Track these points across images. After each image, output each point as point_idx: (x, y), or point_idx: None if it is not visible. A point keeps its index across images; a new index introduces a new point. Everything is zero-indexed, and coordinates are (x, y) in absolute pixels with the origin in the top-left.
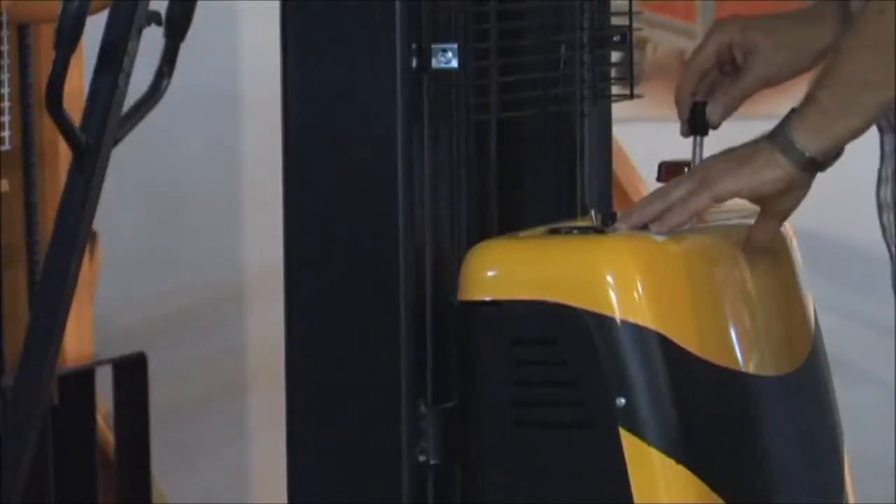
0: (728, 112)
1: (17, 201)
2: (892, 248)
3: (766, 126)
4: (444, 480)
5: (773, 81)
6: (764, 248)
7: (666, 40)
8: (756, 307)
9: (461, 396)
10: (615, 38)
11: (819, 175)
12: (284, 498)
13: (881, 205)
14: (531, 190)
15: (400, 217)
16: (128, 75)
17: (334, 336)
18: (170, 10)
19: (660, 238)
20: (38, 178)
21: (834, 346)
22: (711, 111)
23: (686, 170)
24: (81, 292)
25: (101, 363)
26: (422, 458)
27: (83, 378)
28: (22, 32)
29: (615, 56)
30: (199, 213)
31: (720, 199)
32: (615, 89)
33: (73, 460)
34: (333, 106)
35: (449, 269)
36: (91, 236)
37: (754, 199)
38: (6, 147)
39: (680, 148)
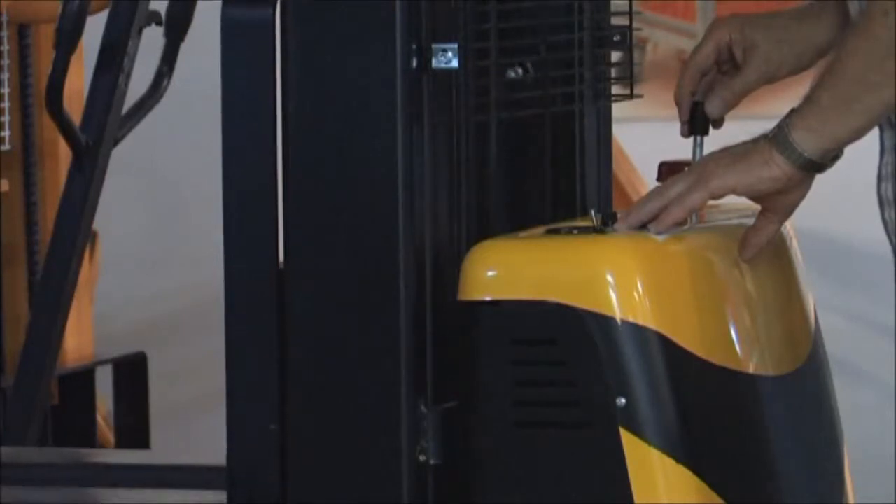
0: (727, 106)
1: (17, 201)
2: (895, 244)
3: (766, 126)
4: (444, 480)
5: (773, 78)
6: (761, 250)
7: (666, 40)
8: (756, 307)
9: (461, 396)
10: (615, 38)
11: (819, 175)
12: None
13: (882, 201)
14: (531, 190)
15: (400, 217)
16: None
17: (334, 336)
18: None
19: (660, 238)
20: (38, 178)
21: (834, 346)
22: (711, 104)
23: (686, 170)
24: (81, 292)
25: (101, 363)
26: (422, 458)
27: (83, 378)
28: (22, 32)
29: (615, 56)
30: (199, 213)
31: (716, 196)
32: (615, 89)
33: None
34: (334, 106)
35: (449, 269)
36: (91, 236)
37: (752, 196)
38: (6, 147)
39: (680, 148)
